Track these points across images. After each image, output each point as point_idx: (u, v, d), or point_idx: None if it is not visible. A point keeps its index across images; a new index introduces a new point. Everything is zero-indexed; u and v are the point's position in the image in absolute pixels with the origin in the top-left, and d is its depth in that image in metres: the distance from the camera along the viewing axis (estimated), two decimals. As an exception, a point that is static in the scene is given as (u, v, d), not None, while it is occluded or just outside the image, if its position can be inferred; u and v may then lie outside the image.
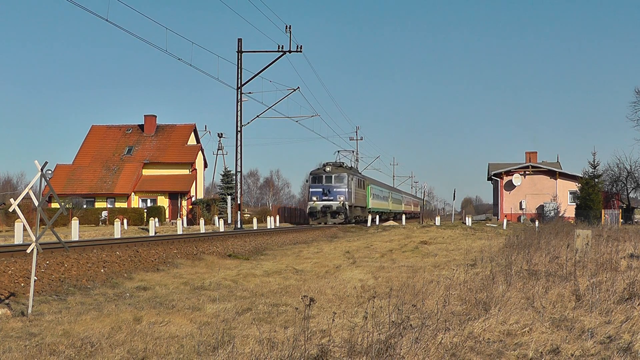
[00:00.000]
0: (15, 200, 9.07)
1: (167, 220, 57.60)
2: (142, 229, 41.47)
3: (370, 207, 55.73)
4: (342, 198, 44.87)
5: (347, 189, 45.60)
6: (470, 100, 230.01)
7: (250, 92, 43.48)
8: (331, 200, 44.90)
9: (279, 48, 40.16)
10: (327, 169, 45.91)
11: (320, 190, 45.21)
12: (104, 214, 55.24)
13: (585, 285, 10.21)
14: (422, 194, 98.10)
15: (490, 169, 73.89)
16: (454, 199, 62.74)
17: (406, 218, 66.13)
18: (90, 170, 61.88)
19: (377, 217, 59.85)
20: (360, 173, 55.23)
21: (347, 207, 45.29)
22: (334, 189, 45.16)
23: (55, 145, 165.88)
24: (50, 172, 9.49)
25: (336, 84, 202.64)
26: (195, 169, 63.21)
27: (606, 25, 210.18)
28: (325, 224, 44.65)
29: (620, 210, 56.56)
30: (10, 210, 9.06)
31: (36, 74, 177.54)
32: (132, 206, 59.52)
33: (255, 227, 39.78)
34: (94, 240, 20.41)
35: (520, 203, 67.30)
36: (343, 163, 49.07)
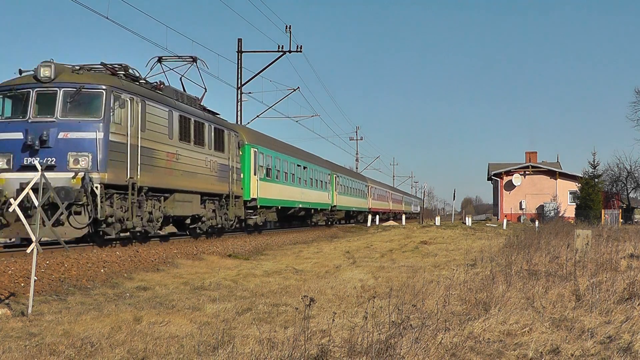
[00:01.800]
0: (15, 200, 9.06)
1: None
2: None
3: (261, 196, 26.40)
4: (83, 162, 14.61)
5: (105, 136, 15.01)
6: (470, 100, 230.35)
7: (250, 92, 43.42)
8: (50, 168, 14.20)
9: (279, 48, 40.14)
10: (46, 73, 14.98)
11: (21, 135, 14.66)
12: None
13: (585, 285, 10.22)
14: (422, 194, 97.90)
15: (490, 169, 73.91)
16: (454, 199, 62.68)
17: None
18: (90, 170, 61.65)
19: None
20: (211, 112, 22.04)
21: (98, 191, 14.54)
22: (61, 134, 14.68)
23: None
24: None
25: (336, 84, 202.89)
26: (195, 169, 62.94)
27: (606, 26, 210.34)
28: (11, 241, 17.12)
29: (620, 210, 56.55)
30: (10, 210, 9.06)
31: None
32: (132, 206, 59.31)
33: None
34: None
35: (520, 203, 67.30)
36: (114, 68, 16.68)
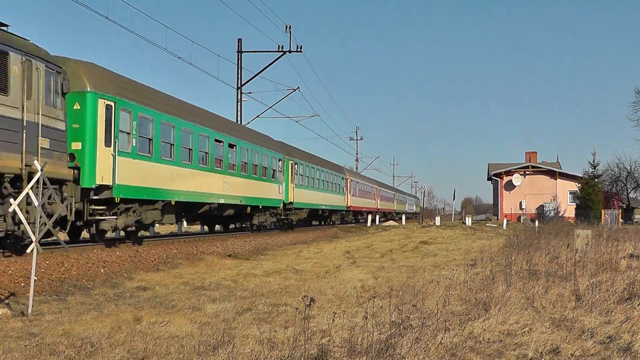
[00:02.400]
0: (15, 200, 9.06)
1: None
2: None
3: (122, 182, 16.19)
4: None
5: None
6: (470, 100, 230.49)
7: (250, 92, 43.45)
8: None
9: (279, 48, 40.16)
10: None
11: None
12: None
13: (585, 285, 10.22)
14: (422, 194, 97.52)
15: (490, 169, 73.91)
16: (454, 199, 62.61)
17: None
18: (90, 170, 61.22)
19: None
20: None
21: None
22: None
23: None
24: (50, 172, 9.34)
25: (336, 84, 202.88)
26: (195, 169, 62.58)
27: (606, 26, 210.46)
28: None
29: (620, 210, 56.58)
30: (10, 210, 9.05)
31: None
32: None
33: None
34: (94, 240, 20.41)
35: (520, 203, 67.30)
36: None
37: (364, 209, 52.77)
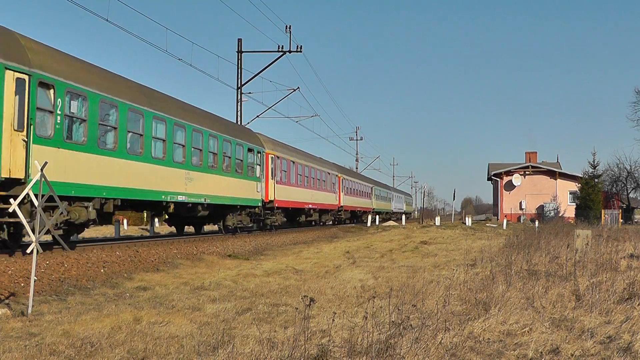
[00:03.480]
0: (15, 200, 9.06)
1: (167, 220, 56.78)
2: (142, 229, 41.47)
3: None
4: None
5: None
6: (470, 100, 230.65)
7: (250, 92, 43.47)
8: None
9: (279, 48, 40.18)
10: None
11: None
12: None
13: (585, 285, 10.22)
14: (422, 194, 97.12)
15: (490, 169, 73.90)
16: (454, 199, 62.55)
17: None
18: (90, 170, 60.58)
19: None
20: None
21: None
22: None
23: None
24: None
25: (336, 84, 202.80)
26: (195, 169, 62.30)
27: (606, 25, 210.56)
28: None
29: (620, 210, 56.59)
30: (10, 210, 9.05)
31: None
32: (132, 206, 58.40)
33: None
34: (94, 240, 20.40)
35: (520, 203, 67.30)
36: None
37: (311, 206, 35.25)
